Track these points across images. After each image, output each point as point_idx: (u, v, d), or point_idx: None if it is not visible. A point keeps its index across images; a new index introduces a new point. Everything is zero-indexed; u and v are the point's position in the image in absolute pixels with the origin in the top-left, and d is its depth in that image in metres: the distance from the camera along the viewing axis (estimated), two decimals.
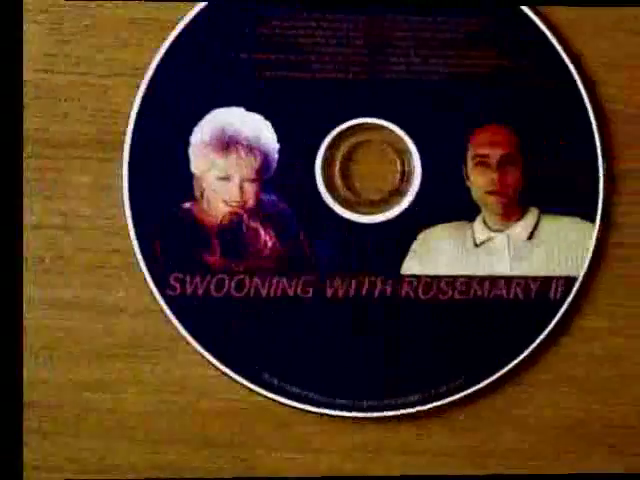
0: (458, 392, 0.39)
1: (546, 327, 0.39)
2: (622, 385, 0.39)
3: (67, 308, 0.38)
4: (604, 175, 0.39)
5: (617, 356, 0.39)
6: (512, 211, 0.39)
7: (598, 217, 0.39)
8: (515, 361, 0.39)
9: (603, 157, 0.39)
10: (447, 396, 0.39)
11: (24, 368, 0.38)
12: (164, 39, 0.38)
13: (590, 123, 0.39)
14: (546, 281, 0.39)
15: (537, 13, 0.39)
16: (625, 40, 0.39)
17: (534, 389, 0.39)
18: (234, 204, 0.38)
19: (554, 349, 0.39)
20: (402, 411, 0.38)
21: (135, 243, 0.38)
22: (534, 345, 0.39)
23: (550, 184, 0.39)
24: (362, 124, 0.38)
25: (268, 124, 0.38)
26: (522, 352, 0.39)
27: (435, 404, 0.38)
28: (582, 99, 0.39)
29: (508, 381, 0.39)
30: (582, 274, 0.39)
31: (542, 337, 0.39)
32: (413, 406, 0.38)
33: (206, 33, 0.38)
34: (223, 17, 0.38)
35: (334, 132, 0.38)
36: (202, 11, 0.38)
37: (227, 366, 0.38)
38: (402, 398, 0.39)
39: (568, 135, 0.39)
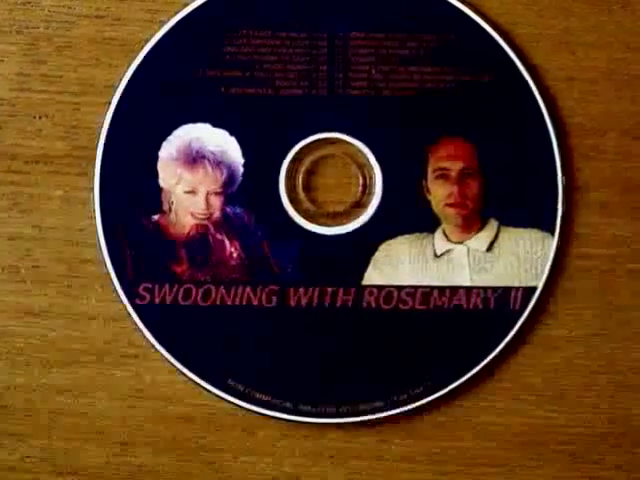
0: (419, 399, 0.40)
1: (505, 336, 0.39)
2: (581, 394, 0.40)
3: (41, 316, 0.40)
4: (563, 187, 0.39)
5: (576, 365, 0.40)
6: (472, 223, 0.40)
7: (557, 229, 0.40)
8: (475, 370, 0.39)
9: (562, 170, 0.39)
10: (408, 403, 0.40)
11: (0, 373, 0.40)
12: (133, 58, 0.39)
13: (549, 136, 0.39)
14: (505, 291, 0.39)
15: (496, 28, 0.40)
16: (584, 54, 0.40)
17: (494, 397, 0.40)
18: (200, 216, 0.40)
19: (514, 358, 0.40)
20: (364, 417, 0.40)
21: (106, 254, 0.39)
22: (494, 354, 0.39)
23: (510, 196, 0.40)
24: (324, 139, 0.40)
25: (233, 139, 0.40)
26: (482, 361, 0.40)
27: (396, 411, 0.40)
28: (541, 113, 0.39)
29: (468, 389, 0.40)
30: (541, 285, 0.39)
31: (501, 346, 0.39)
32: (375, 413, 0.40)
33: (173, 52, 0.39)
34: (190, 36, 0.39)
35: (297, 147, 0.40)
36: (170, 30, 0.39)
37: (194, 372, 0.39)
38: (364, 405, 0.40)
39: (528, 148, 0.39)
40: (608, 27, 0.39)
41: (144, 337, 0.39)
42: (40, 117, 0.39)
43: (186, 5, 0.39)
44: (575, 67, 0.39)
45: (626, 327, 0.40)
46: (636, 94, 0.40)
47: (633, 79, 0.40)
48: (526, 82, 0.39)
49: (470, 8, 0.39)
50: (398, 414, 0.39)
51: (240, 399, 0.39)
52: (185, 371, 0.39)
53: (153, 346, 0.39)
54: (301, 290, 0.39)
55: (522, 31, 0.39)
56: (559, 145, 0.39)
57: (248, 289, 0.39)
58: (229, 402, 0.39)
